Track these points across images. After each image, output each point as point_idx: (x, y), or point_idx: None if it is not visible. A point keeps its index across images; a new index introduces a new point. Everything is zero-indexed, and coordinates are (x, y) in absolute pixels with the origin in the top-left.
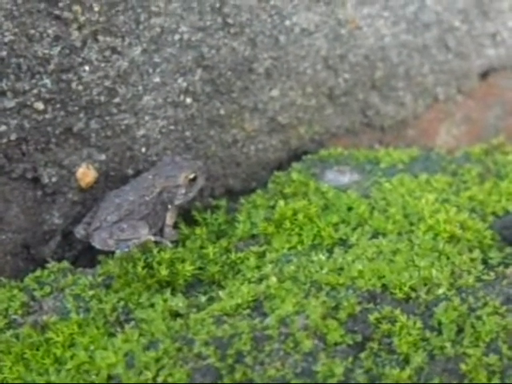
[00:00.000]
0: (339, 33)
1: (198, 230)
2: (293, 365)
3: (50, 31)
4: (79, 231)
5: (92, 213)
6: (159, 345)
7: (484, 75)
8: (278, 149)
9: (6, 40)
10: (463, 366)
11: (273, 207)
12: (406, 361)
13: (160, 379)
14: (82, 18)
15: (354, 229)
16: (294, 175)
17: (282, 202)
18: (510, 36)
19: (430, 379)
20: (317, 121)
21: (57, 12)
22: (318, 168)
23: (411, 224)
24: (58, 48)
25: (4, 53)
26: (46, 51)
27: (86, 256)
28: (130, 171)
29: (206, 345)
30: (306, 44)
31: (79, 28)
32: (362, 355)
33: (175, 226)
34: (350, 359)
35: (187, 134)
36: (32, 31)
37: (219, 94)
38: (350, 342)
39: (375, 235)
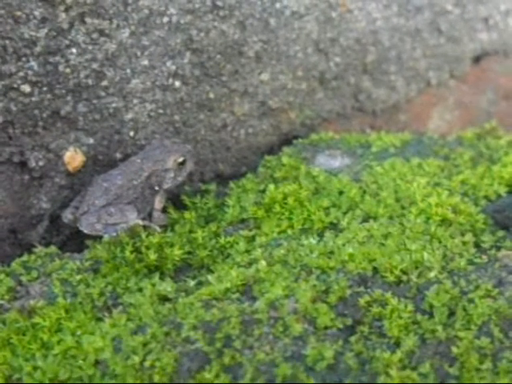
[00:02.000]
0: (330, 16)
1: (187, 215)
2: (282, 349)
3: (36, 13)
4: (67, 216)
5: (80, 197)
6: (147, 329)
7: (476, 59)
8: (269, 133)
9: None
10: (455, 349)
11: (263, 191)
12: (397, 344)
13: (147, 364)
14: (69, 0)
15: (345, 213)
16: (285, 159)
17: (272, 186)
18: (503, 20)
19: (421, 362)
20: (308, 105)
21: None
22: (308, 152)
23: (403, 208)
24: (45, 30)
25: None
26: (33, 33)
27: (74, 241)
28: (118, 155)
29: (195, 329)
30: (297, 27)
31: (66, 10)
32: (353, 339)
33: (164, 210)
34: (340, 343)
35: (176, 117)
36: (18, 13)
37: (208, 77)
38: (340, 326)
39: (366, 219)
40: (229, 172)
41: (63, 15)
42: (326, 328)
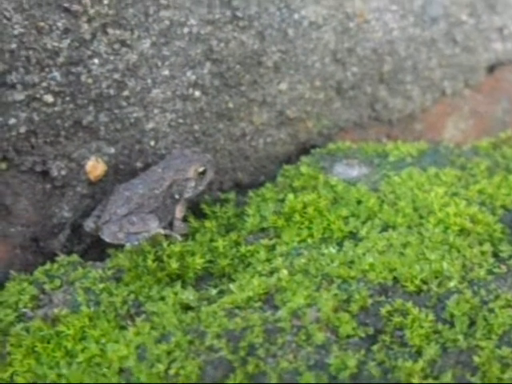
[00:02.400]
0: (347, 26)
1: (207, 223)
2: (305, 357)
3: (59, 24)
4: (89, 224)
5: (101, 206)
6: (171, 337)
7: (491, 69)
8: (287, 142)
9: (16, 32)
10: (476, 359)
11: (282, 200)
12: (419, 353)
13: (172, 372)
14: (91, 11)
15: (364, 222)
16: (303, 168)
17: (291, 196)
18: None
19: (443, 371)
20: (325, 114)
21: (66, 4)
22: (326, 161)
23: (421, 217)
24: (68, 41)
25: (14, 45)
26: (56, 44)
27: (95, 249)
28: (139, 164)
29: (218, 337)
30: (315, 37)
31: (89, 21)
32: (375, 348)
33: (185, 219)
34: (363, 352)
35: (196, 127)
36: (41, 24)
37: (228, 87)
38: (362, 335)
39: (385, 228)
40: (247, 181)
41: (86, 26)
42: (348, 337)
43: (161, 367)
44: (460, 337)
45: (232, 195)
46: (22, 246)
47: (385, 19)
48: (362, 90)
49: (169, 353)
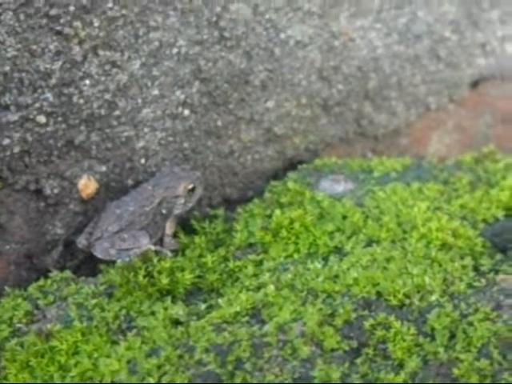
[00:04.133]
0: (333, 45)
1: (196, 239)
2: (291, 370)
3: (51, 46)
4: (81, 241)
5: (93, 223)
6: (161, 352)
7: (474, 84)
8: (274, 158)
9: (9, 55)
10: (456, 371)
11: (269, 216)
12: (401, 365)
13: None
14: (82, 33)
15: (349, 237)
16: (290, 184)
17: (278, 211)
18: (500, 46)
19: (424, 383)
20: (311, 131)
21: (58, 28)
22: (313, 177)
23: (404, 232)
24: (60, 63)
25: (7, 68)
26: (48, 66)
27: (88, 265)
28: (130, 182)
29: (207, 352)
30: (301, 56)
31: (80, 43)
32: (358, 361)
33: (175, 235)
34: (347, 365)
35: (185, 145)
36: (34, 46)
37: (216, 105)
38: (346, 348)
39: (369, 243)
40: (236, 196)
41: (77, 48)
42: (332, 350)
43: (151, 381)
44: (440, 349)
45: (221, 211)
46: (16, 263)
47: (369, 37)
48: (348, 107)
49: (159, 367)
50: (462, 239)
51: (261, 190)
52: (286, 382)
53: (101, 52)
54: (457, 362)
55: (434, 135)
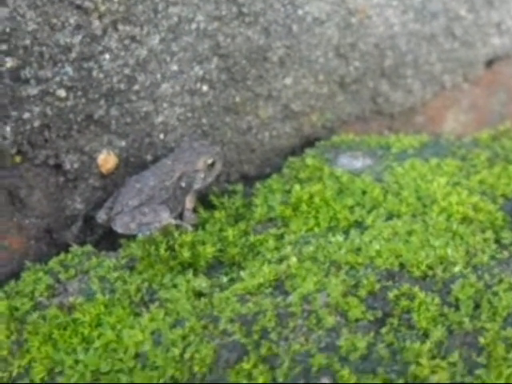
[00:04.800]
0: (350, 22)
1: (216, 214)
2: (316, 340)
3: (71, 20)
4: (101, 216)
5: (113, 198)
6: (185, 323)
7: (489, 63)
8: (291, 135)
9: (30, 29)
10: (482, 340)
11: (289, 191)
12: (426, 335)
13: (187, 355)
14: (102, 8)
15: (369, 211)
16: (309, 160)
17: (297, 186)
18: None
19: (450, 352)
20: (328, 108)
21: (78, 2)
22: (331, 153)
23: (424, 206)
24: (80, 37)
25: (27, 41)
26: (68, 40)
27: (107, 240)
28: (149, 157)
29: (231, 322)
30: (318, 33)
31: (100, 17)
32: (383, 330)
33: (194, 210)
34: (372, 334)
35: (204, 121)
36: (54, 20)
37: (234, 81)
38: (371, 318)
39: (390, 217)
40: (253, 173)
41: (97, 22)
42: (357, 320)
43: (176, 351)
44: (465, 319)
45: (239, 187)
46: (36, 238)
47: (386, 15)
48: (364, 84)
49: (184, 337)
50: (483, 213)
51: (278, 166)
52: (312, 351)
53: (120, 27)
54: (482, 331)
55: (450, 113)
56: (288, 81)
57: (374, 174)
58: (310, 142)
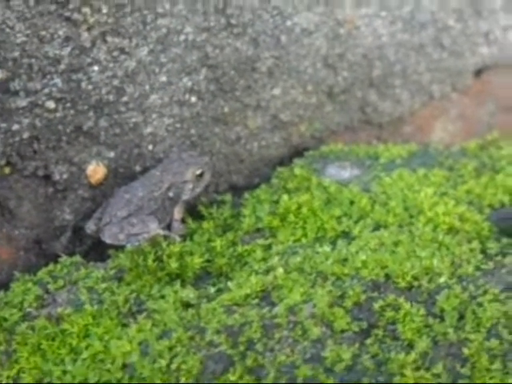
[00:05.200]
0: (338, 32)
1: (204, 224)
2: (302, 351)
3: (60, 32)
4: (90, 226)
5: (102, 209)
6: (172, 334)
7: (478, 73)
8: (280, 145)
9: (19, 41)
10: (466, 351)
11: (277, 202)
12: (411, 346)
13: (174, 366)
14: (91, 20)
15: (356, 222)
16: (297, 170)
17: (285, 197)
18: (503, 34)
19: (435, 363)
20: (317, 118)
21: (67, 14)
22: (319, 163)
23: (411, 216)
24: (68, 48)
25: (16, 53)
26: (57, 52)
27: (96, 251)
28: (138, 168)
29: (218, 333)
30: (307, 43)
31: (88, 29)
32: (368, 341)
33: (183, 220)
34: (357, 345)
35: (192, 131)
36: (43, 32)
37: (223, 92)
38: (356, 329)
39: (377, 228)
40: (242, 183)
41: (86, 34)
42: (342, 331)
43: (163, 362)
44: (450, 330)
45: (228, 197)
46: (25, 248)
47: (374, 25)
48: (353, 94)
49: (170, 348)
50: (469, 223)
51: (267, 177)
52: (297, 362)
53: (109, 38)
54: (467, 342)
55: (438, 123)
56: (276, 91)
57: (361, 184)
58: (298, 152)
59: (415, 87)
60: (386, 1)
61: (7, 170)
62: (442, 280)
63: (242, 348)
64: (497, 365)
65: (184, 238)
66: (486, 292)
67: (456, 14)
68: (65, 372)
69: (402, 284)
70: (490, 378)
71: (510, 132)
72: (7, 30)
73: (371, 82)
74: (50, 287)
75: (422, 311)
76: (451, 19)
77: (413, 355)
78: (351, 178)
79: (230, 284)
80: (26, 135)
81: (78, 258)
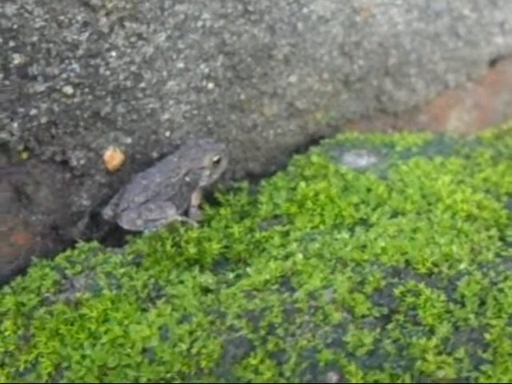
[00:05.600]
0: (354, 20)
1: (222, 211)
2: (323, 336)
3: (78, 17)
4: (107, 212)
5: (119, 194)
6: (192, 318)
7: (492, 62)
8: (296, 133)
9: (37, 26)
10: (487, 336)
11: (294, 189)
12: (432, 332)
13: (194, 350)
14: (109, 5)
15: (374, 209)
16: (314, 158)
17: (303, 184)
18: None
19: (456, 348)
20: (333, 106)
21: None
22: (336, 151)
23: (429, 204)
24: (87, 34)
25: (35, 38)
26: (75, 37)
27: (113, 237)
28: (155, 154)
29: (239, 318)
30: (323, 31)
31: (107, 14)
32: (389, 326)
33: (200, 206)
34: (378, 330)
35: (209, 118)
36: (61, 17)
37: (240, 79)
38: (377, 315)
39: (394, 215)
40: (258, 171)
41: (104, 19)
42: (363, 316)
43: (183, 346)
44: (471, 316)
45: (245, 184)
46: (42, 234)
47: (390, 13)
48: (369, 83)
49: (191, 333)
50: (487, 211)
51: (283, 164)
52: (319, 346)
53: (127, 24)
54: (488, 328)
55: (453, 112)
56: (293, 79)
57: (378, 171)
58: (314, 140)
59: (430, 76)
60: None
61: (25, 155)
62: (462, 266)
63: (262, 332)
64: None
65: (201, 224)
66: (506, 278)
67: (471, 3)
68: (84, 356)
69: (422, 270)
70: None
71: None
72: (26, 14)
73: (387, 71)
74: (68, 272)
75: (443, 297)
76: (466, 8)
77: (434, 340)
78: (368, 165)
79: (248, 270)
80: (43, 120)
81: (95, 244)
